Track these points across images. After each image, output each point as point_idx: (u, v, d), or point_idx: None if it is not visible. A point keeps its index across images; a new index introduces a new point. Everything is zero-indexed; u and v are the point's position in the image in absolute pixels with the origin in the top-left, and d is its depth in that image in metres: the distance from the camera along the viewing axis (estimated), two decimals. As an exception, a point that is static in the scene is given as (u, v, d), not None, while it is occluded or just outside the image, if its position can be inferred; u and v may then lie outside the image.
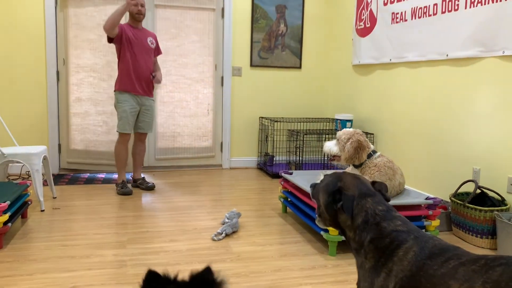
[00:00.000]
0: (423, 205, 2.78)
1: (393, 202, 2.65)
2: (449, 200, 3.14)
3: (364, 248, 1.35)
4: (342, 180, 1.46)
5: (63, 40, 4.63)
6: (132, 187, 4.19)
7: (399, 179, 2.82)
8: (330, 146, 2.94)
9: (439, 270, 1.20)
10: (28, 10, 4.49)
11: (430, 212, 2.72)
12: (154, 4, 4.82)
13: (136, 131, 4.14)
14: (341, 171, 2.77)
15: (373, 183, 1.51)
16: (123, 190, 3.93)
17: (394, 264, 1.28)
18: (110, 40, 3.87)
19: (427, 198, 2.75)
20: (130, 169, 4.43)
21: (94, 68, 4.71)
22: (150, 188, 4.11)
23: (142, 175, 4.28)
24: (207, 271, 1.14)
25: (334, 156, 2.94)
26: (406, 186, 2.99)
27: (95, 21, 4.67)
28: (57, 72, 4.66)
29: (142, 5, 3.89)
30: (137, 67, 3.93)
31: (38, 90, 4.61)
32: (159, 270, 1.11)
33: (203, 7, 4.96)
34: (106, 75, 4.73)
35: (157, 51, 4.21)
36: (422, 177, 3.77)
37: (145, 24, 4.81)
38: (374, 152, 2.87)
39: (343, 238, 2.60)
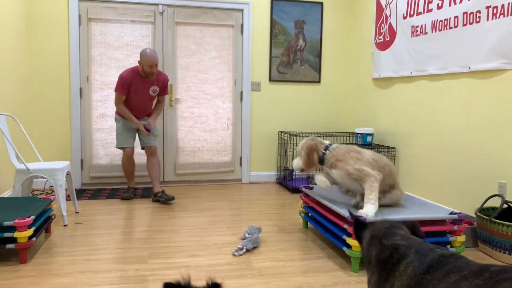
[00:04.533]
0: (447, 220, 2.71)
1: (416, 217, 2.60)
2: (475, 215, 3.06)
3: (371, 263, 1.39)
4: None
5: (87, 58, 4.75)
6: (153, 201, 4.26)
7: (371, 156, 2.86)
8: (295, 162, 3.11)
9: (439, 285, 1.15)
10: (53, 28, 4.63)
11: (456, 228, 2.65)
12: (174, 22, 4.91)
13: (143, 147, 4.38)
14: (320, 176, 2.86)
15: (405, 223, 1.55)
16: (123, 194, 4.33)
17: (395, 279, 1.29)
18: None
19: (452, 213, 2.68)
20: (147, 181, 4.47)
21: (118, 85, 4.80)
22: (170, 199, 4.15)
23: (162, 189, 4.32)
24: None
25: (301, 169, 3.08)
26: (429, 201, 2.93)
27: (123, 41, 4.78)
28: (80, 89, 4.76)
29: (156, 65, 4.12)
30: (134, 109, 4.29)
31: (62, 107, 4.72)
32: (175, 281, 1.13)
33: (222, 24, 5.03)
34: (129, 91, 4.82)
35: (163, 92, 4.40)
36: (445, 191, 3.69)
37: (166, 41, 4.91)
38: (330, 145, 2.98)
39: (366, 254, 2.55)
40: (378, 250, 1.39)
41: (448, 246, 2.71)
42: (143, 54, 4.05)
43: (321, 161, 2.97)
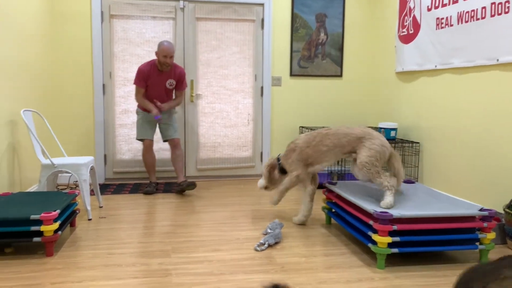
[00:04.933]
0: (477, 217, 2.64)
1: (444, 213, 2.54)
2: (503, 212, 2.97)
3: None
4: None
5: (109, 54, 4.80)
6: (176, 193, 4.44)
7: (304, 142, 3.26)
8: (259, 182, 3.58)
9: None
10: (76, 25, 4.69)
11: (485, 225, 2.58)
12: (195, 17, 4.91)
13: (165, 140, 4.50)
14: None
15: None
16: (146, 189, 4.37)
17: None
18: None
19: (481, 209, 2.61)
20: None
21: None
22: (190, 184, 4.26)
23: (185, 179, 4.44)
24: None
25: (265, 187, 3.55)
26: (456, 197, 2.86)
27: (144, 37, 4.82)
28: (103, 85, 4.82)
29: (171, 57, 4.20)
30: (152, 101, 4.38)
31: (85, 103, 4.79)
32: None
33: (243, 19, 5.01)
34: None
35: (180, 87, 4.45)
36: (471, 187, 3.60)
37: (187, 37, 4.92)
38: (279, 154, 3.51)
39: (392, 250, 2.51)
40: None
41: (477, 244, 2.64)
42: (159, 44, 4.19)
43: (281, 170, 3.46)
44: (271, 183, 3.53)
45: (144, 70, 4.23)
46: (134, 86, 4.83)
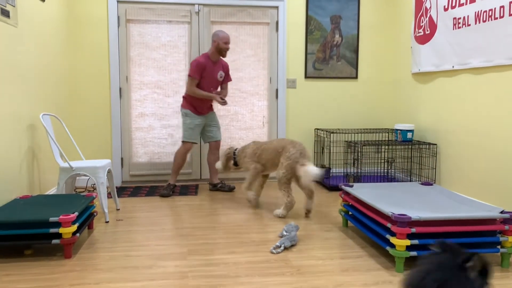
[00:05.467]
0: (498, 219, 2.59)
1: (464, 215, 2.49)
2: (525, 214, 2.90)
3: None
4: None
5: (125, 58, 4.85)
6: (210, 190, 4.69)
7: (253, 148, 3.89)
8: (217, 164, 4.13)
9: None
10: (93, 30, 4.76)
11: (507, 227, 2.52)
12: (210, 21, 4.94)
13: (208, 141, 4.64)
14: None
15: None
16: (162, 192, 4.42)
17: None
18: None
19: (502, 212, 2.56)
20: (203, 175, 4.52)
21: (159, 85, 4.91)
22: (232, 189, 4.60)
23: (220, 181, 4.73)
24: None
25: (221, 171, 4.16)
26: (475, 199, 2.81)
27: (160, 41, 4.87)
28: (120, 89, 4.87)
29: (229, 42, 4.39)
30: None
31: (102, 107, 4.85)
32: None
33: (257, 22, 5.02)
34: (172, 91, 4.94)
35: (227, 79, 4.59)
36: (491, 189, 3.53)
37: (202, 40, 4.95)
38: (236, 149, 4.07)
39: (410, 253, 2.47)
40: None
41: (499, 247, 2.58)
42: (217, 33, 4.33)
43: (235, 163, 4.01)
44: (225, 170, 4.13)
45: (202, 62, 4.31)
46: (150, 90, 4.88)
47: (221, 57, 4.45)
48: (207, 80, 4.39)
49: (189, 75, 4.32)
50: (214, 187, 4.68)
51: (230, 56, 5.00)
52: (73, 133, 4.81)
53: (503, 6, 3.35)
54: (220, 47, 4.33)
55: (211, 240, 3.06)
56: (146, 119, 4.94)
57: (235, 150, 4.05)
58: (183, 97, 4.49)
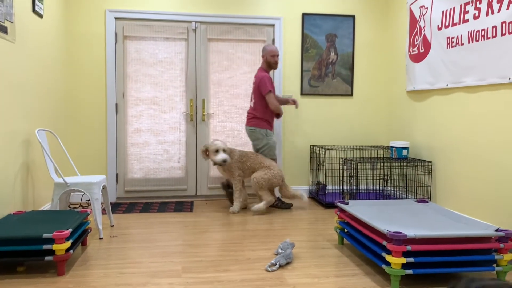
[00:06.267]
0: (493, 238, 2.59)
1: (460, 233, 2.49)
2: (520, 232, 2.91)
3: None
4: None
5: (122, 74, 4.88)
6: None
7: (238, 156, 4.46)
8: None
9: None
10: (90, 46, 4.79)
11: (502, 245, 2.52)
12: (207, 38, 4.99)
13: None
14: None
15: None
16: (284, 205, 4.65)
17: None
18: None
19: (497, 230, 2.56)
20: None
21: (155, 101, 4.93)
22: (289, 207, 4.65)
23: (278, 197, 4.76)
24: None
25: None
26: (471, 217, 2.81)
27: (157, 58, 4.91)
28: (116, 105, 4.88)
29: (277, 55, 4.54)
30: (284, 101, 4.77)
31: (98, 122, 4.85)
32: None
33: (254, 39, 5.07)
34: (168, 107, 4.95)
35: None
36: (486, 207, 3.54)
37: (199, 57, 4.99)
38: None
39: (406, 271, 2.46)
40: None
41: (494, 265, 2.58)
42: (264, 47, 4.52)
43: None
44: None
45: (268, 75, 4.46)
46: (146, 106, 4.89)
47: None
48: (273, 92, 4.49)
49: (269, 91, 4.38)
50: (281, 204, 4.70)
51: (227, 72, 5.04)
52: (69, 149, 4.80)
53: (495, 26, 3.41)
54: (269, 61, 4.49)
55: (206, 258, 3.04)
56: (142, 134, 4.94)
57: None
58: (256, 117, 4.51)
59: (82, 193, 4.81)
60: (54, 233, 2.63)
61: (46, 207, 4.10)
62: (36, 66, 3.85)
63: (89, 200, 4.78)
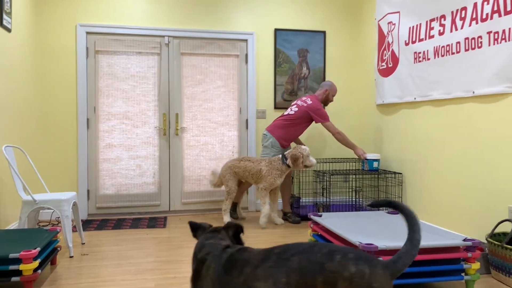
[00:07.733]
0: (461, 247, 2.66)
1: (429, 244, 2.55)
2: (486, 241, 3.00)
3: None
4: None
5: (94, 89, 4.82)
6: (282, 218, 4.73)
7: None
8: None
9: (239, 279, 1.37)
10: (61, 61, 4.72)
11: (469, 255, 2.60)
12: (180, 53, 4.99)
13: None
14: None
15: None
16: (295, 218, 4.59)
17: (202, 282, 1.53)
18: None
19: (465, 240, 2.63)
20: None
21: (127, 116, 4.88)
22: (298, 222, 4.57)
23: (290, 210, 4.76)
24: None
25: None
26: (438, 227, 2.88)
27: (129, 72, 4.87)
28: (87, 120, 4.81)
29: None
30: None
31: (69, 138, 4.76)
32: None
33: (227, 54, 5.11)
34: (140, 122, 4.90)
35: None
36: (454, 217, 3.64)
37: (172, 71, 4.98)
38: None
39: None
40: (194, 265, 1.64)
41: (463, 274, 2.64)
42: (330, 84, 4.68)
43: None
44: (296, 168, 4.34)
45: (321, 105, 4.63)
46: (118, 121, 4.83)
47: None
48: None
49: (327, 120, 4.50)
50: (284, 216, 4.72)
51: (201, 86, 5.05)
52: (38, 165, 4.68)
53: (459, 42, 3.55)
54: (329, 98, 4.67)
55: (180, 274, 3.00)
56: (113, 150, 4.87)
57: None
58: (278, 127, 4.57)
59: (52, 211, 4.69)
60: (21, 253, 2.55)
61: (14, 225, 3.98)
62: (4, 80, 3.77)
63: (59, 217, 4.66)
